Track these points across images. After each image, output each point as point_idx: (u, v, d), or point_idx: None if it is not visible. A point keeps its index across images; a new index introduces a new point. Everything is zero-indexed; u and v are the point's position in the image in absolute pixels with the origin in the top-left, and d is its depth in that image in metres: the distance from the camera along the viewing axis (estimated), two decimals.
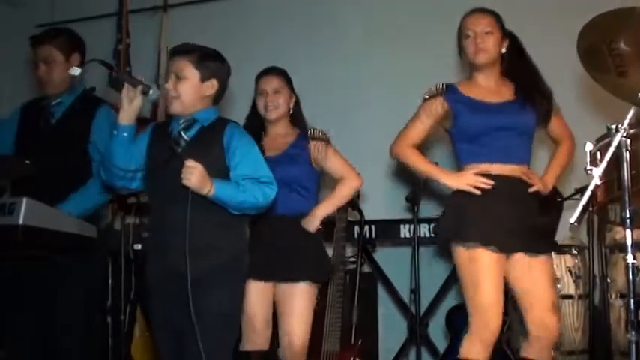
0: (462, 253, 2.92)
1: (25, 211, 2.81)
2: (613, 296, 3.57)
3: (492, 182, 2.94)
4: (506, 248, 2.91)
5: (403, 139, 3.15)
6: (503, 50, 3.09)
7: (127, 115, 2.67)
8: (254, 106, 3.37)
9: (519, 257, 2.94)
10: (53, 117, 3.29)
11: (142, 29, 5.57)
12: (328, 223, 3.50)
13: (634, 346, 2.16)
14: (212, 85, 2.75)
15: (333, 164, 3.32)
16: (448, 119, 3.11)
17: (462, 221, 2.93)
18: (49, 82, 3.29)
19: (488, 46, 3.03)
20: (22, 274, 3.13)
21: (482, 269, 2.87)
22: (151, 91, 2.65)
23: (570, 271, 3.73)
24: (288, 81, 3.39)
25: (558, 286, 3.67)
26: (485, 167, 2.99)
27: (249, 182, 2.64)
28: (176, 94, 2.69)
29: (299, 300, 3.19)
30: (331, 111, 4.79)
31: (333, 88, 4.96)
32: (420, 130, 3.13)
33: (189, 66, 2.70)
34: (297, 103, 3.40)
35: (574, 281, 3.72)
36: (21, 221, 2.80)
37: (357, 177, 3.36)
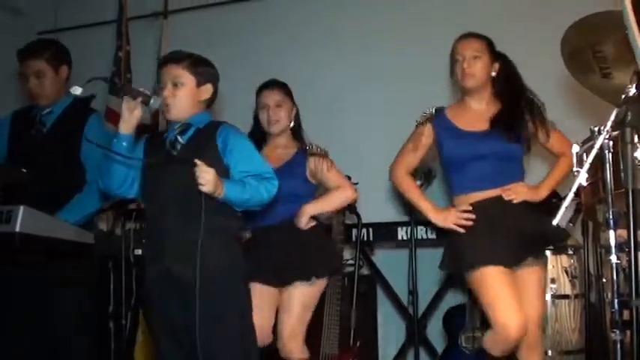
0: (471, 277, 2.99)
1: (22, 219, 2.84)
2: (609, 296, 3.57)
3: (474, 216, 3.00)
4: (506, 262, 2.95)
5: (400, 164, 3.24)
6: (493, 73, 3.13)
7: (126, 125, 2.69)
8: (256, 120, 3.41)
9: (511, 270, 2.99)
10: (45, 126, 3.30)
11: (143, 35, 5.59)
12: (326, 226, 3.54)
13: (619, 345, 2.17)
14: (207, 90, 2.79)
15: (332, 176, 3.36)
16: (436, 146, 3.19)
17: (462, 252, 3.02)
18: (40, 95, 3.30)
19: (475, 70, 3.08)
20: (19, 280, 3.16)
21: (493, 284, 2.93)
22: (151, 101, 2.67)
23: (566, 271, 3.74)
24: (289, 93, 3.42)
25: (554, 286, 3.70)
26: (471, 198, 3.06)
27: (252, 179, 2.65)
28: (173, 101, 2.72)
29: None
30: (329, 115, 4.82)
31: (330, 92, 4.98)
32: (412, 157, 3.23)
33: (185, 72, 2.73)
34: (297, 114, 3.44)
35: (570, 281, 3.73)
36: (18, 229, 2.82)
37: (353, 190, 3.41)
